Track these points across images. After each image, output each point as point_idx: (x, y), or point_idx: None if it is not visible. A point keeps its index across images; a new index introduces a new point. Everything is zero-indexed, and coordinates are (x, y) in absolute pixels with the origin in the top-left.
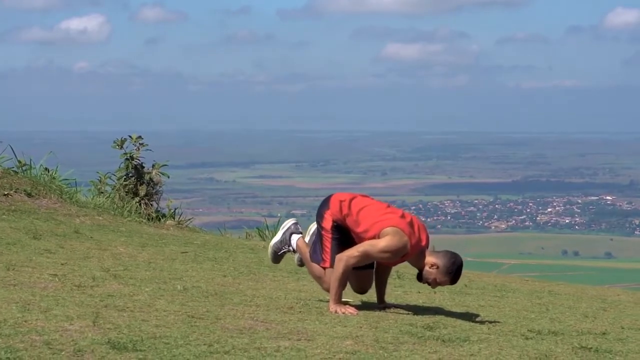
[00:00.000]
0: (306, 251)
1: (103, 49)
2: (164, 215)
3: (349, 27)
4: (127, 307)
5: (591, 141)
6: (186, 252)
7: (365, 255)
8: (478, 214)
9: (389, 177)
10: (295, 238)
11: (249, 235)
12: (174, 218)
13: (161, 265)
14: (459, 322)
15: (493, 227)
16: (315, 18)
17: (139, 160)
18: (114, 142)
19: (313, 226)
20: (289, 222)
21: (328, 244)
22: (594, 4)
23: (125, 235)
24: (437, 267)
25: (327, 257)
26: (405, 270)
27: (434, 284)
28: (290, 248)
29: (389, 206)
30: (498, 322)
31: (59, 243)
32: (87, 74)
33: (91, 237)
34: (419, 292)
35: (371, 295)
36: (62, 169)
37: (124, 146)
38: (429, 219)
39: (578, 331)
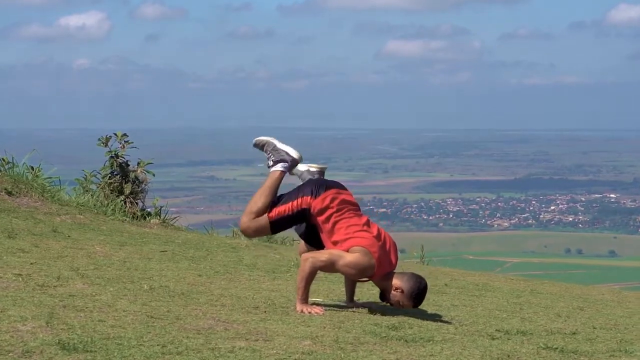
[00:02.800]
0: (271, 183)
1: (103, 45)
2: (149, 214)
3: (349, 24)
4: (87, 307)
5: (594, 138)
6: (165, 251)
7: (331, 264)
8: (480, 212)
9: (391, 175)
10: (280, 167)
11: (235, 234)
12: (159, 216)
13: (136, 265)
14: (427, 322)
15: (496, 225)
16: (315, 14)
17: (123, 158)
18: (99, 139)
19: (303, 167)
20: (296, 155)
21: (290, 209)
22: (597, 0)
23: (105, 234)
24: (402, 291)
25: (277, 213)
26: None
27: (397, 305)
28: (269, 163)
29: (367, 222)
30: (467, 321)
31: (34, 242)
32: (86, 71)
33: (69, 236)
34: None
35: (342, 294)
36: (57, 166)
37: (109, 144)
38: (430, 217)
39: (548, 331)
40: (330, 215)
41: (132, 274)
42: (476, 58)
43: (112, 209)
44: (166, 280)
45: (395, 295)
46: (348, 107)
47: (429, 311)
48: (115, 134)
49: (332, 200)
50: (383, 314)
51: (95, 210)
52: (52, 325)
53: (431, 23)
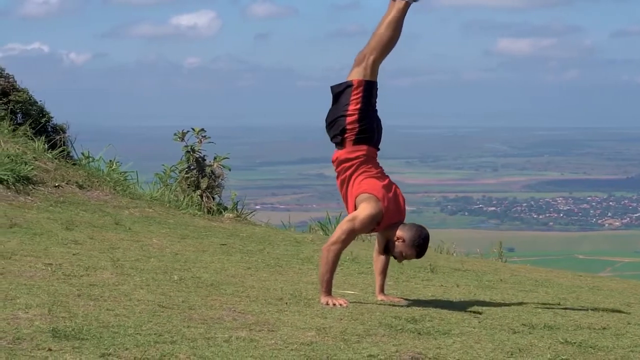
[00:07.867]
0: (396, 14)
1: (213, 44)
2: (225, 208)
3: (458, 21)
4: (101, 297)
5: None
6: (225, 244)
7: (351, 233)
8: (591, 211)
9: (501, 174)
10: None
11: (312, 229)
12: (237, 210)
13: (186, 257)
14: (453, 314)
15: (607, 225)
16: (423, 12)
17: (200, 152)
18: (175, 134)
19: None
20: None
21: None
22: None
23: (169, 227)
24: (404, 241)
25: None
26: (438, 264)
27: (400, 257)
28: None
29: (382, 172)
30: (497, 315)
31: (91, 234)
32: (197, 69)
33: (129, 229)
34: (441, 286)
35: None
36: (152, 162)
37: (186, 138)
38: (541, 216)
39: (576, 326)
40: (353, 164)
41: (173, 266)
42: (587, 55)
43: (187, 203)
44: (204, 272)
45: (397, 245)
46: (456, 105)
47: (461, 305)
48: (193, 129)
49: (359, 157)
50: (410, 306)
51: (168, 204)
52: (54, 313)
53: (541, 20)
